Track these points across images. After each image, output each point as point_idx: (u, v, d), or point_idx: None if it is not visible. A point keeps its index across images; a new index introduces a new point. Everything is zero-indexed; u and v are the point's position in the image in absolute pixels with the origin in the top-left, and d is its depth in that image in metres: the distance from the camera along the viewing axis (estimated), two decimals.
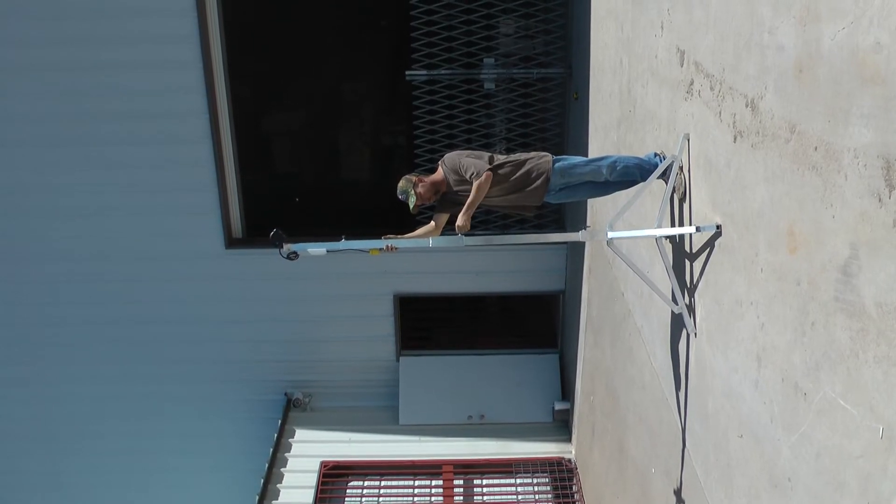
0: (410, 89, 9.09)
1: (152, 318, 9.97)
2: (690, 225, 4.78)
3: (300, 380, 10.38)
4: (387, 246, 5.07)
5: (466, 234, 5.15)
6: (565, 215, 9.57)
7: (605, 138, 7.22)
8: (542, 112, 9.37)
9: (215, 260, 9.70)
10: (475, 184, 5.27)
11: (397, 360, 10.30)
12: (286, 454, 9.70)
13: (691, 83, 4.70)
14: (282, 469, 9.47)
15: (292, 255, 5.01)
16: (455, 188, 5.47)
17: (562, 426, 9.83)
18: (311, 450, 9.72)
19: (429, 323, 11.01)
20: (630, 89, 6.17)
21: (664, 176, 5.01)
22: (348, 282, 9.84)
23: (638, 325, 6.23)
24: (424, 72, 8.92)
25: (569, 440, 9.59)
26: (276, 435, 9.81)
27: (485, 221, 9.53)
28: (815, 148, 3.18)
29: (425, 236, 5.44)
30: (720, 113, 4.23)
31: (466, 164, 5.38)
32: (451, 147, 9.14)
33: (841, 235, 3.01)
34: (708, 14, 4.38)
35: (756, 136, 3.77)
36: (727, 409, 4.31)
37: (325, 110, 9.97)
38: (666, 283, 5.23)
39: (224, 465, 10.63)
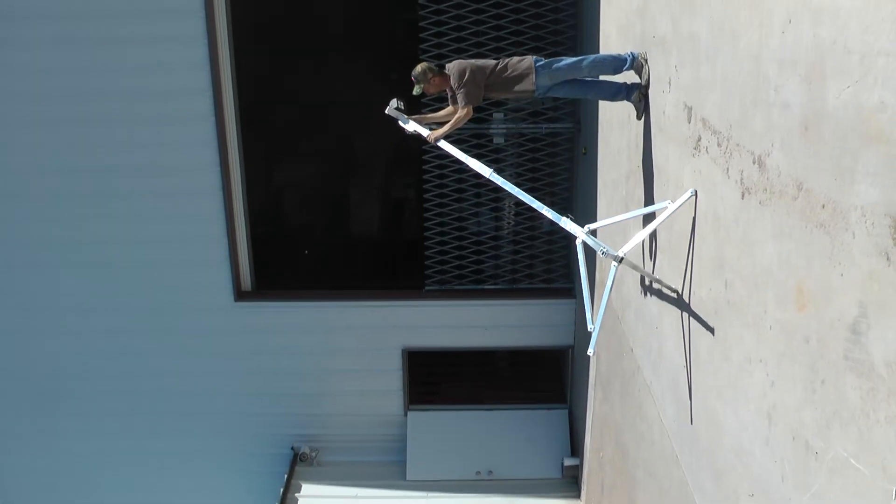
0: (420, 143, 9.16)
1: (159, 371, 9.94)
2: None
3: (307, 434, 10.31)
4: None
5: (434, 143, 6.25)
6: (573, 269, 9.56)
7: (613, 193, 7.24)
8: (551, 167, 9.42)
9: (224, 312, 9.71)
10: (458, 113, 6.09)
11: (405, 415, 10.23)
12: None
13: (699, 139, 4.72)
14: None
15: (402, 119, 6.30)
16: (455, 88, 6.18)
17: (571, 482, 9.71)
18: None
19: (437, 377, 10.95)
20: (638, 144, 6.20)
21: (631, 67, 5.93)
22: (357, 335, 9.83)
23: (647, 381, 6.18)
24: None
25: (578, 496, 9.47)
26: (282, 489, 9.71)
27: (494, 273, 9.52)
28: (823, 206, 3.18)
29: (447, 116, 6.33)
30: (728, 169, 4.25)
31: (463, 86, 6.03)
32: (460, 200, 9.32)
33: (849, 294, 3.00)
34: (715, 71, 4.42)
35: (764, 193, 3.77)
36: (738, 467, 4.25)
37: (335, 164, 10.04)
38: (675, 337, 5.21)
39: None
